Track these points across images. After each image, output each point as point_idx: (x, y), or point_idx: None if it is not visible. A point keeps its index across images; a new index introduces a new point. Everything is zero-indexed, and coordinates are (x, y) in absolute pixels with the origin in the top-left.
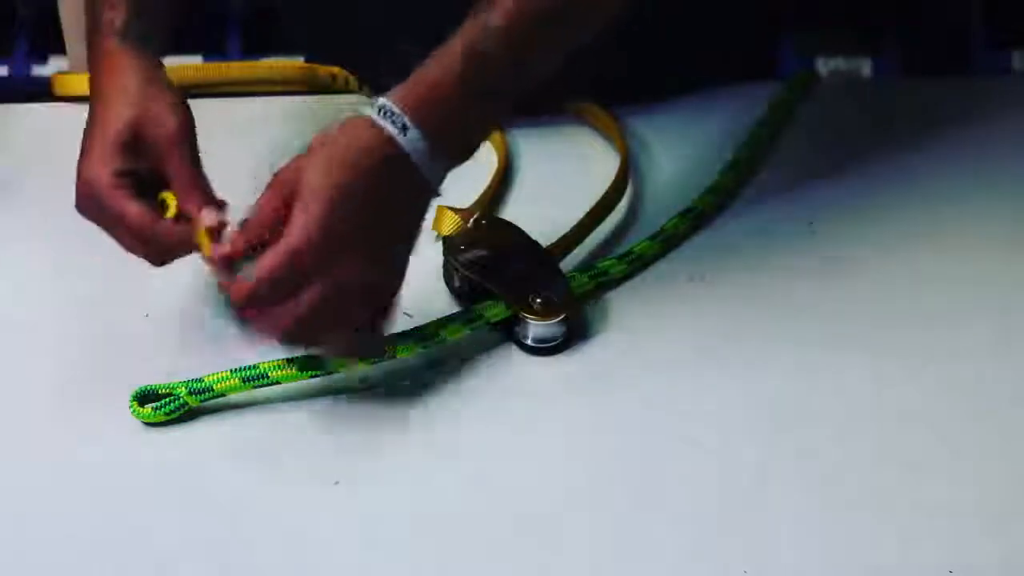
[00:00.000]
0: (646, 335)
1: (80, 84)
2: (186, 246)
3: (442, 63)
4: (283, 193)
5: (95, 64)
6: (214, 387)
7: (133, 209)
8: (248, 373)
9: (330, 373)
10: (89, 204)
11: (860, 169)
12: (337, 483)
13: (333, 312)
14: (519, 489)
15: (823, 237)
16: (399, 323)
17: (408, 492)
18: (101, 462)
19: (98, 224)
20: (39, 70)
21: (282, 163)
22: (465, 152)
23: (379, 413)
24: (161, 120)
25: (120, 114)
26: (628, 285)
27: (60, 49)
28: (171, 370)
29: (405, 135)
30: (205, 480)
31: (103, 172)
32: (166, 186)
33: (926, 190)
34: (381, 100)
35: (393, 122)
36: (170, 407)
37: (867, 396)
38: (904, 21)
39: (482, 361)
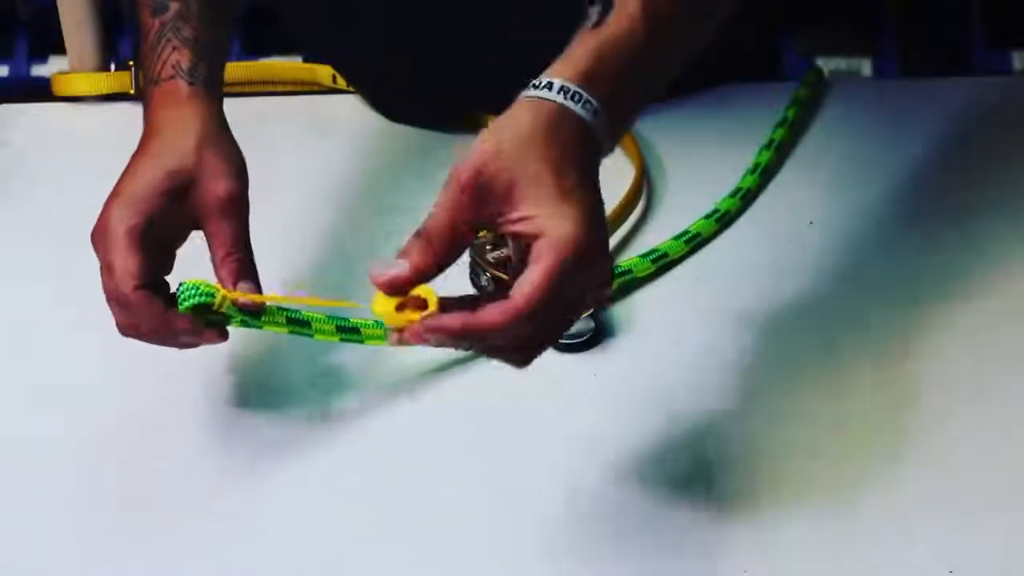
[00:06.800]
0: (670, 334)
1: (80, 84)
2: (151, 331)
3: (616, 33)
4: (478, 198)
5: (155, 98)
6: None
7: (124, 263)
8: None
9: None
10: (98, 238)
11: (861, 169)
12: (337, 483)
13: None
14: (534, 485)
15: (826, 238)
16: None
17: (421, 489)
18: (99, 462)
19: (98, 259)
20: (39, 70)
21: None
22: (625, 130)
23: (394, 408)
24: (215, 177)
25: (175, 157)
26: (652, 285)
27: (60, 49)
28: (172, 368)
29: (595, 118)
30: (205, 479)
31: (127, 214)
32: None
33: (926, 190)
34: (561, 82)
35: (584, 106)
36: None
37: (867, 396)
38: (904, 21)
39: None
